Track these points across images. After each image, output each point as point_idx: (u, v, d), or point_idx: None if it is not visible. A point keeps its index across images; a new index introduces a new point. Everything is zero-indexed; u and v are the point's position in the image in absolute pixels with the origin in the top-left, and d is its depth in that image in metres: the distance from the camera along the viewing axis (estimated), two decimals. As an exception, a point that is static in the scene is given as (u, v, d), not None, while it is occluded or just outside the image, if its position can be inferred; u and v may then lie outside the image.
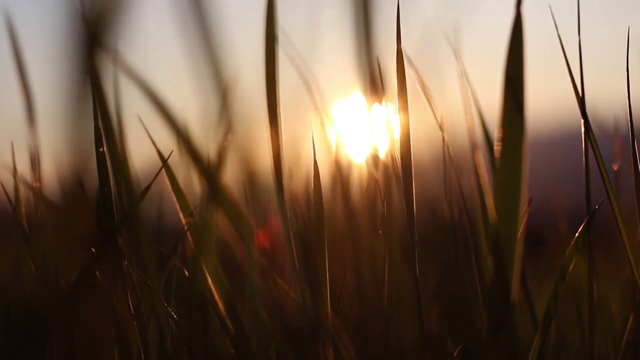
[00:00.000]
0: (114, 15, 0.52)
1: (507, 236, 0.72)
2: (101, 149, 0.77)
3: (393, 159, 0.77)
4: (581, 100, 0.81)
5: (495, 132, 0.71)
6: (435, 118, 0.82)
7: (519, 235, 0.72)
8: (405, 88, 0.78)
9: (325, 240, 0.80)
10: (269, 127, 0.76)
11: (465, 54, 0.84)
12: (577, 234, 0.80)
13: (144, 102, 0.65)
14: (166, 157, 0.83)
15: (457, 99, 0.82)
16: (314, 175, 0.82)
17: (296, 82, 0.78)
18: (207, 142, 0.64)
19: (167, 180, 0.83)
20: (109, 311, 0.76)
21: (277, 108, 0.76)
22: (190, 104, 0.62)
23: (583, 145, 0.81)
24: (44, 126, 0.83)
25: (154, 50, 0.66)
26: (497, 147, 0.71)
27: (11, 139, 0.90)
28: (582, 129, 0.81)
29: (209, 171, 0.65)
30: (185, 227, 0.81)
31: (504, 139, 0.70)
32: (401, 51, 0.79)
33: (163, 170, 0.83)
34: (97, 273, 0.75)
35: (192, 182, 0.83)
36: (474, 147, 0.79)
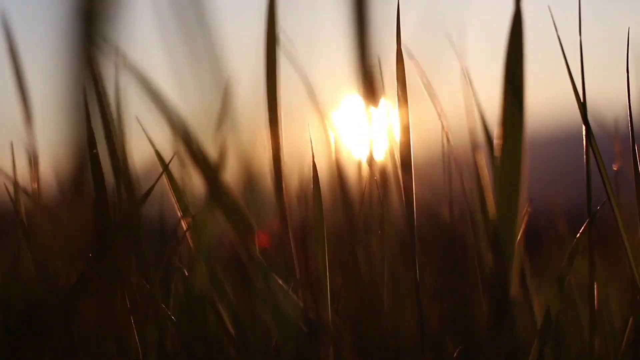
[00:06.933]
0: (112, 12, 0.51)
1: (507, 236, 0.72)
2: (95, 150, 0.76)
3: (393, 159, 0.77)
4: (581, 101, 0.81)
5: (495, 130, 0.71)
6: (438, 116, 0.82)
7: (519, 234, 0.72)
8: (406, 88, 0.78)
9: (325, 240, 0.80)
10: (269, 127, 0.76)
11: (466, 52, 0.84)
12: (577, 236, 0.80)
13: (143, 99, 0.65)
14: (165, 156, 0.83)
15: (458, 98, 0.82)
16: (313, 176, 0.82)
17: (295, 82, 0.78)
18: (207, 142, 0.64)
19: (166, 180, 0.82)
20: (108, 311, 0.76)
21: (278, 108, 0.76)
22: (191, 105, 0.62)
23: (583, 146, 0.80)
24: (42, 126, 0.83)
25: (153, 49, 0.66)
26: (496, 145, 0.71)
27: (9, 139, 0.90)
28: (583, 129, 0.80)
29: (210, 170, 0.65)
30: (185, 227, 0.81)
31: (503, 138, 0.70)
32: (401, 51, 0.78)
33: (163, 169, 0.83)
34: (96, 273, 0.75)
35: (191, 180, 0.83)
36: (475, 146, 0.78)
